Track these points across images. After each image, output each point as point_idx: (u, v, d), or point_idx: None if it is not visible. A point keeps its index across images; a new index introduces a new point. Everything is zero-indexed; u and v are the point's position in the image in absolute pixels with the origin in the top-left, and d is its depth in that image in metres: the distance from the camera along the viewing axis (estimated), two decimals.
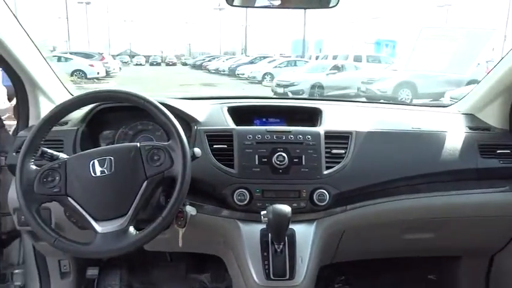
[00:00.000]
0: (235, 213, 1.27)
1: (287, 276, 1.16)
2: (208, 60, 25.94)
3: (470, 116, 1.57)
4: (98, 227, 1.02)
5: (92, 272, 1.77)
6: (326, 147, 1.31)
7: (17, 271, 1.67)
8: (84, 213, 1.03)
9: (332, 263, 1.53)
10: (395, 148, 1.37)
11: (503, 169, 1.38)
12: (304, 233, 1.24)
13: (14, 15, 1.31)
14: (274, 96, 2.18)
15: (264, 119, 1.56)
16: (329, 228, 1.29)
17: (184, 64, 31.93)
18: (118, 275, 1.92)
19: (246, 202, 1.23)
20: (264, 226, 1.22)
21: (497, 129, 1.49)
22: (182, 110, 1.36)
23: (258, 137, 1.30)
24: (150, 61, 32.84)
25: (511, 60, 1.39)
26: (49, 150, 1.15)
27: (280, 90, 11.87)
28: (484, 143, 1.40)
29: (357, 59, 17.17)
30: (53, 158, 1.15)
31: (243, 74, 17.64)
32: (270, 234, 1.20)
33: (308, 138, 1.31)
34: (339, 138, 1.34)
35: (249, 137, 1.30)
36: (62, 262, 1.67)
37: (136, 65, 30.87)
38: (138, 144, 1.09)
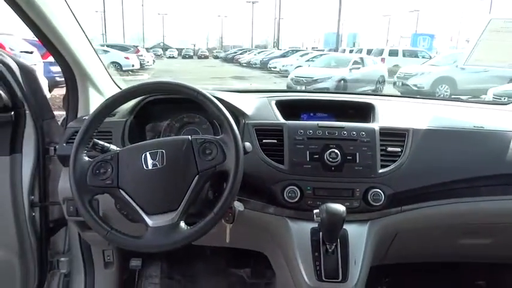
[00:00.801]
0: (284, 211, 1.23)
1: (339, 279, 1.11)
2: (240, 53, 26.00)
3: None
4: (149, 221, 1.00)
5: (135, 263, 1.78)
6: (381, 145, 1.25)
7: (62, 259, 1.70)
8: (135, 206, 1.02)
9: (380, 264, 1.47)
10: (455, 147, 1.29)
11: None
12: (357, 234, 1.18)
13: (69, 7, 1.32)
14: (322, 91, 2.10)
15: (311, 114, 1.51)
16: (383, 229, 1.23)
17: (216, 57, 32.16)
18: (159, 266, 1.93)
19: (296, 200, 1.19)
20: (314, 225, 1.18)
21: None
22: (231, 103, 1.33)
23: (310, 133, 1.25)
24: (182, 54, 33.29)
25: None
26: (100, 142, 1.15)
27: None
28: None
29: (393, 53, 16.70)
30: (103, 150, 1.15)
31: (275, 68, 17.54)
32: (321, 233, 1.16)
33: (362, 134, 1.25)
34: (395, 135, 1.27)
35: (300, 132, 1.26)
36: (105, 252, 1.69)
37: (169, 57, 31.37)
38: (190, 137, 1.06)
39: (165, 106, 1.46)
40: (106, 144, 1.16)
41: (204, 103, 1.07)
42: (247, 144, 1.09)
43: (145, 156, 1.04)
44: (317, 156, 1.22)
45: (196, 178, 1.02)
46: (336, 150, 1.21)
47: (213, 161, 1.04)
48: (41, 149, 1.50)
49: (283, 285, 1.36)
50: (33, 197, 1.51)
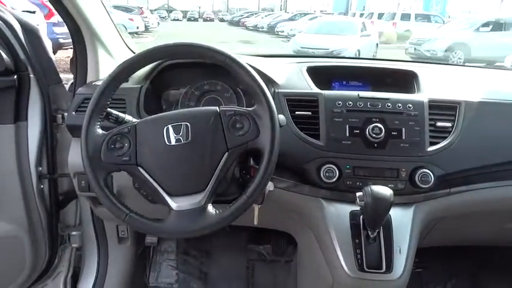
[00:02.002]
0: (319, 191, 1.11)
1: (383, 269, 1.00)
2: (247, 17, 25.27)
3: None
4: (173, 203, 0.89)
5: (151, 239, 1.70)
6: (430, 119, 1.10)
7: (74, 233, 1.62)
8: (157, 186, 0.90)
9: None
10: None
11: None
12: (401, 219, 1.06)
13: None
14: (355, 57, 1.93)
15: (344, 82, 1.36)
16: (429, 214, 1.11)
17: (222, 20, 31.32)
18: (175, 242, 1.86)
19: (334, 180, 1.06)
20: (353, 208, 1.06)
21: None
22: (259, 70, 1.17)
23: (349, 104, 1.11)
24: (187, 16, 32.39)
25: None
26: (114, 111, 1.02)
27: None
28: None
29: (405, 17, 16.11)
30: (118, 120, 1.02)
31: (283, 32, 17.02)
32: (361, 218, 1.04)
33: (409, 107, 1.10)
34: (445, 108, 1.13)
35: (339, 104, 1.11)
36: (119, 227, 1.60)
37: (174, 20, 30.53)
38: (218, 108, 0.93)
39: (184, 71, 1.32)
40: (121, 114, 1.03)
41: (233, 69, 0.92)
42: (281, 117, 0.95)
43: (168, 129, 0.91)
44: (358, 131, 1.09)
45: (225, 156, 0.90)
46: (380, 125, 1.07)
47: (245, 136, 0.90)
48: (48, 117, 1.38)
49: (314, 270, 1.26)
50: (41, 168, 1.41)
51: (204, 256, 1.88)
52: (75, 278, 1.66)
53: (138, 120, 0.96)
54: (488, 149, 1.11)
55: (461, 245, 1.55)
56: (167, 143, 0.90)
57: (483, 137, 1.11)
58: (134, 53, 1.39)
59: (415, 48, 10.81)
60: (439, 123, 1.11)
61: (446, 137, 1.09)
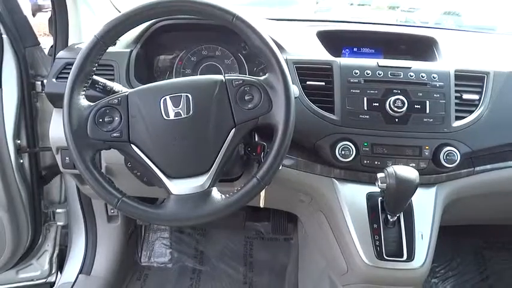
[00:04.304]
0: (332, 170, 1.00)
1: (404, 257, 0.91)
2: None
3: None
4: (172, 187, 0.77)
5: None
6: (456, 91, 0.99)
7: (59, 210, 1.52)
8: (153, 167, 0.78)
9: None
10: None
11: None
12: (423, 201, 0.97)
13: None
14: (366, 22, 1.77)
15: (355, 49, 1.23)
16: (451, 194, 1.01)
17: None
18: None
19: (350, 159, 0.95)
20: (371, 189, 0.97)
21: None
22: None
23: (367, 73, 0.99)
24: None
25: None
26: (101, 79, 0.88)
27: None
28: None
29: None
30: (105, 89, 0.89)
31: None
32: (380, 200, 0.94)
33: (434, 77, 0.99)
34: (472, 79, 1.02)
35: (356, 73, 0.99)
36: (109, 205, 1.49)
37: None
38: (224, 77, 0.80)
39: (179, 34, 1.18)
40: (109, 82, 0.89)
41: (242, 31, 0.79)
42: (295, 87, 0.82)
43: (165, 101, 0.78)
44: (377, 104, 0.97)
45: (232, 132, 0.78)
46: (401, 97, 0.96)
47: (255, 110, 0.79)
48: (25, 83, 1.24)
49: (324, 255, 1.18)
50: (19, 141, 1.28)
51: (199, 234, 1.80)
52: (62, 256, 1.57)
53: (130, 90, 0.83)
54: None
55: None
56: (165, 117, 0.78)
57: None
58: (120, 12, 1.23)
59: (406, 18, 10.58)
60: (465, 96, 1.00)
61: (474, 111, 0.99)
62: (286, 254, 1.70)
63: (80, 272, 1.49)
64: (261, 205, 1.00)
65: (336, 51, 1.16)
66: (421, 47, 1.18)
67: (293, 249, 1.65)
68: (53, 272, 1.57)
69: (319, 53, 1.08)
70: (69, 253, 1.53)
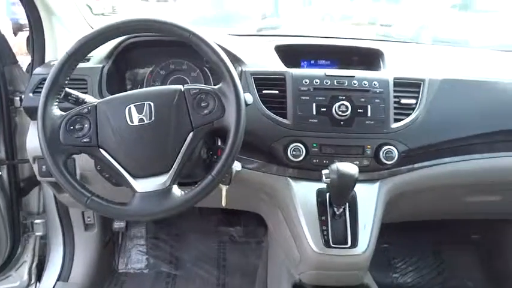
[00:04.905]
0: (286, 170, 1.11)
1: (349, 244, 1.02)
2: None
3: None
4: (137, 185, 0.86)
5: (119, 224, 1.67)
6: (395, 96, 1.12)
7: (37, 221, 1.56)
8: (119, 168, 0.87)
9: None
10: (472, 99, 1.18)
11: None
12: (367, 195, 1.08)
13: None
14: (323, 36, 1.91)
15: (312, 61, 1.35)
16: (393, 189, 1.13)
17: None
18: (144, 227, 1.83)
19: (301, 158, 1.06)
20: (320, 185, 1.07)
21: None
22: (225, 47, 1.15)
23: (316, 82, 1.11)
24: None
25: None
26: (74, 92, 0.97)
27: None
28: None
29: None
30: (78, 101, 0.98)
31: None
32: (328, 195, 1.05)
33: (375, 84, 1.11)
34: (409, 85, 1.14)
35: (306, 82, 1.11)
36: (85, 213, 1.56)
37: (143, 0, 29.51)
38: (182, 87, 0.90)
39: (148, 50, 1.28)
40: (81, 94, 0.98)
41: (198, 46, 0.89)
42: (248, 95, 0.93)
43: (130, 109, 0.88)
44: (324, 109, 1.09)
45: (190, 135, 0.88)
46: (346, 103, 1.08)
47: (210, 115, 0.88)
48: (4, 99, 1.31)
49: (283, 248, 1.27)
50: None
51: (174, 240, 1.87)
52: (41, 267, 1.61)
53: (98, 100, 0.92)
54: (450, 124, 1.14)
55: (424, 220, 1.60)
56: (129, 123, 0.87)
57: (446, 113, 1.13)
58: (92, 28, 1.33)
59: (384, 32, 10.91)
60: (403, 100, 1.12)
61: (410, 114, 1.11)
62: (257, 256, 1.78)
63: (58, 279, 1.53)
64: (223, 204, 1.09)
65: (294, 64, 1.27)
66: (370, 57, 1.30)
67: (263, 252, 1.74)
68: (32, 282, 1.60)
69: (274, 65, 1.19)
70: (48, 262, 1.57)
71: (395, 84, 1.13)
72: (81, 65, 1.04)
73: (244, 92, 0.91)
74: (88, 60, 1.20)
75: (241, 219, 1.86)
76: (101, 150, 0.87)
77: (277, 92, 1.11)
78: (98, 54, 1.21)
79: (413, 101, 1.13)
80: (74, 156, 1.09)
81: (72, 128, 0.87)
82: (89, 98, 1.00)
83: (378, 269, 1.74)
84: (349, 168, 0.95)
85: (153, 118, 0.87)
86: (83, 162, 1.13)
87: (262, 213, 1.40)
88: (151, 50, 1.27)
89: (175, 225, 1.89)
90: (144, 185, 0.86)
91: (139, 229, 1.83)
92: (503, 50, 1.55)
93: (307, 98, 1.09)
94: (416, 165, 1.14)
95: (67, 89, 0.94)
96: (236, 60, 1.16)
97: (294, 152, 1.06)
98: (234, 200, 1.21)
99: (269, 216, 1.35)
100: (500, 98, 1.19)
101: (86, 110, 0.89)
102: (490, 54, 1.53)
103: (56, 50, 1.30)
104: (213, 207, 1.85)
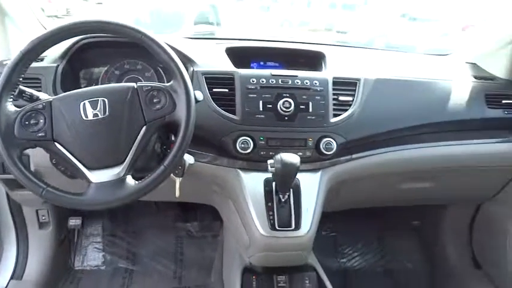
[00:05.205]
0: (236, 162, 1.19)
1: (292, 227, 1.11)
2: None
3: (474, 65, 1.53)
4: (92, 176, 0.91)
5: (74, 222, 1.68)
6: (333, 94, 1.23)
7: None
8: (74, 161, 0.91)
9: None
10: (402, 96, 1.31)
11: (507, 119, 1.36)
12: (309, 183, 1.18)
13: None
14: (272, 39, 2.02)
15: (261, 63, 1.45)
16: (333, 177, 1.24)
17: None
18: (100, 224, 1.85)
19: (249, 151, 1.15)
20: (267, 175, 1.16)
21: (501, 80, 1.45)
22: (177, 49, 1.22)
23: (262, 81, 1.20)
24: None
25: None
26: (28, 89, 1.01)
27: None
28: (491, 92, 1.37)
29: (332, 6, 16.69)
30: (32, 98, 1.01)
31: None
32: (274, 183, 1.14)
33: (315, 83, 1.22)
34: (347, 84, 1.26)
35: (253, 81, 1.20)
36: (40, 212, 1.56)
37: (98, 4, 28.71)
38: (135, 84, 0.96)
39: (103, 51, 1.31)
40: (35, 92, 1.02)
41: (150, 46, 0.95)
42: (198, 93, 1.00)
43: (84, 105, 0.92)
44: (270, 105, 1.18)
45: (143, 129, 0.94)
46: (289, 99, 1.18)
47: (162, 110, 0.95)
48: None
49: (235, 236, 1.35)
50: None
51: (131, 237, 1.90)
52: None
53: (54, 97, 0.96)
54: (382, 119, 1.26)
55: (369, 209, 1.74)
56: (84, 118, 0.91)
57: (379, 109, 1.26)
58: (45, 29, 1.35)
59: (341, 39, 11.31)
60: (341, 98, 1.24)
61: (347, 110, 1.23)
62: (213, 249, 1.84)
63: (12, 277, 1.53)
64: (177, 195, 1.15)
65: (245, 65, 1.36)
66: (313, 59, 1.42)
67: (219, 245, 1.81)
68: None
69: (224, 66, 1.27)
70: (1, 260, 1.56)
71: (334, 83, 1.24)
72: (35, 64, 1.07)
73: (195, 90, 0.99)
74: (42, 60, 1.23)
75: (198, 214, 1.92)
76: (56, 144, 0.91)
77: (226, 90, 1.19)
78: (52, 54, 1.24)
79: (350, 98, 1.25)
80: (29, 152, 1.12)
81: (27, 123, 0.91)
82: (43, 96, 1.03)
83: (327, 256, 1.87)
84: (292, 158, 1.04)
85: (107, 113, 0.92)
86: (37, 158, 1.16)
87: (215, 205, 1.47)
88: (106, 50, 1.31)
89: (132, 222, 1.91)
90: (99, 176, 0.91)
91: (95, 227, 1.85)
92: (437, 54, 1.73)
93: (255, 95, 1.18)
94: (353, 156, 1.26)
95: (21, 87, 0.97)
96: (188, 60, 1.23)
97: (243, 145, 1.15)
98: (188, 192, 1.28)
99: (222, 207, 1.42)
100: (426, 95, 1.34)
101: (41, 105, 0.92)
102: (425, 57, 1.69)
103: (9, 51, 1.31)
104: (170, 204, 1.91)
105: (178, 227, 1.92)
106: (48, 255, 1.62)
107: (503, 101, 1.36)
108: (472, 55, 1.56)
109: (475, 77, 1.43)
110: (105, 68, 1.32)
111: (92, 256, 1.81)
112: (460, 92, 1.35)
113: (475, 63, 1.54)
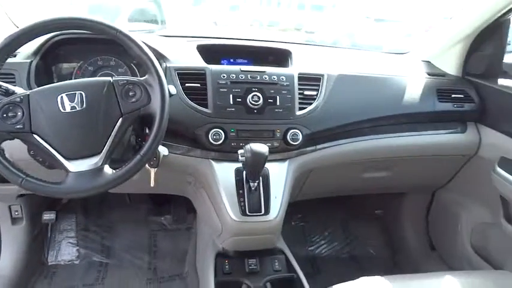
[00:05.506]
0: (209, 153, 1.26)
1: (262, 212, 1.19)
2: None
3: (428, 63, 1.66)
4: (71, 166, 0.95)
5: (48, 216, 1.69)
6: (299, 89, 1.31)
7: None
8: (53, 151, 0.96)
9: (293, 201, 1.61)
10: (362, 91, 1.42)
11: (456, 112, 1.49)
12: (278, 172, 1.27)
13: None
14: (242, 38, 2.09)
15: (231, 60, 1.52)
16: (300, 167, 1.33)
17: None
18: (74, 219, 1.86)
19: (220, 142, 1.22)
20: (238, 165, 1.23)
21: (451, 76, 1.59)
22: (150, 46, 1.27)
23: (233, 77, 1.27)
24: None
25: (469, 12, 1.47)
26: (4, 84, 1.03)
27: None
28: (441, 88, 1.50)
29: (301, 7, 16.92)
30: (8, 92, 1.03)
31: None
32: (245, 172, 1.22)
33: (282, 79, 1.30)
34: (311, 80, 1.35)
35: (223, 76, 1.27)
36: (12, 207, 1.57)
37: None
38: (111, 79, 1.01)
39: (76, 47, 1.34)
40: (11, 86, 1.05)
41: (124, 43, 1.00)
42: (172, 87, 1.07)
43: (62, 98, 0.96)
44: (240, 99, 1.25)
45: (120, 120, 0.99)
46: (258, 94, 1.25)
47: (138, 103, 1.00)
48: None
49: (208, 223, 1.42)
50: None
51: (105, 231, 1.92)
52: None
53: (31, 90, 0.99)
54: (344, 112, 1.36)
55: (335, 199, 1.85)
56: (62, 110, 0.96)
57: (340, 102, 1.36)
58: (17, 27, 1.37)
59: (309, 38, 11.52)
60: (306, 92, 1.32)
61: (312, 103, 1.32)
62: (187, 241, 1.90)
63: None
64: (152, 185, 1.21)
65: (215, 62, 1.43)
66: (281, 57, 1.50)
67: (193, 236, 1.87)
68: None
69: (196, 62, 1.33)
70: None
71: (300, 78, 1.33)
72: (8, 60, 1.10)
73: (168, 85, 1.05)
74: (15, 56, 1.25)
75: (171, 208, 1.96)
76: (35, 135, 0.95)
77: (198, 85, 1.26)
78: (26, 50, 1.26)
79: (314, 93, 1.34)
80: (4, 147, 1.15)
81: (5, 115, 0.94)
82: (19, 90, 1.05)
83: (296, 244, 1.96)
84: (260, 147, 1.12)
85: (84, 106, 0.97)
86: (13, 152, 1.18)
87: (188, 196, 1.53)
88: (80, 46, 1.34)
89: (105, 216, 1.94)
90: (77, 166, 0.95)
91: (69, 222, 1.86)
92: (397, 52, 1.86)
93: (225, 90, 1.25)
94: (318, 147, 1.35)
95: None
96: (161, 57, 1.29)
97: (215, 137, 1.21)
98: (163, 184, 1.34)
99: (195, 197, 1.48)
100: (384, 90, 1.45)
101: (18, 99, 0.96)
102: (385, 56, 1.82)
103: None
104: (143, 198, 1.95)
105: (152, 220, 1.96)
106: (21, 250, 1.62)
107: (453, 95, 1.50)
108: (427, 54, 1.69)
109: (428, 74, 1.56)
110: (79, 64, 1.35)
111: (66, 251, 1.82)
112: (414, 87, 1.47)
113: (429, 61, 1.67)
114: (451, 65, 1.61)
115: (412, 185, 1.79)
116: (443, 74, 1.59)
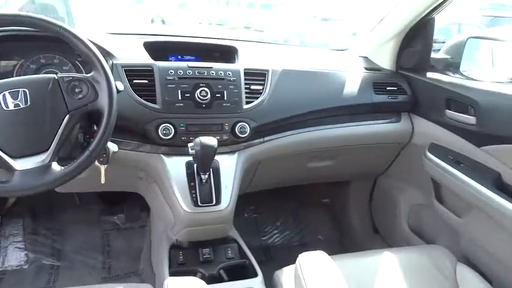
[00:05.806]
0: (159, 148, 1.28)
1: (214, 202, 1.24)
2: None
3: (366, 58, 1.78)
4: (16, 164, 0.95)
5: None
6: (245, 83, 1.37)
7: None
8: None
9: (245, 193, 1.66)
10: (305, 85, 1.50)
11: (391, 103, 1.62)
12: (227, 164, 1.32)
13: None
14: (190, 35, 2.11)
15: (179, 56, 1.54)
16: (249, 158, 1.39)
17: None
18: (21, 223, 1.80)
19: (170, 136, 1.25)
20: (188, 159, 1.27)
21: (386, 70, 1.72)
22: (96, 43, 1.27)
23: (180, 73, 1.30)
24: None
25: (400, 11, 1.60)
26: None
27: None
28: (377, 81, 1.62)
29: (250, 5, 17.02)
30: None
31: None
32: (196, 165, 1.26)
33: (229, 74, 1.35)
34: (257, 75, 1.41)
35: (171, 72, 1.30)
36: None
37: None
38: (56, 75, 1.01)
39: (17, 44, 1.31)
40: None
41: (69, 40, 1.01)
42: (119, 83, 1.08)
43: (4, 96, 0.96)
44: (188, 94, 1.29)
45: (67, 117, 0.99)
46: (206, 89, 1.30)
47: (84, 99, 1.01)
48: None
49: (161, 217, 1.44)
50: None
51: (55, 234, 1.87)
52: None
53: None
54: (289, 105, 1.44)
55: (285, 190, 1.93)
56: (4, 108, 0.95)
57: (285, 96, 1.44)
58: None
59: (259, 37, 11.67)
60: (252, 87, 1.39)
61: (258, 97, 1.38)
62: (141, 239, 1.90)
63: None
64: (102, 181, 1.21)
65: (163, 59, 1.45)
66: (228, 53, 1.55)
67: (147, 234, 1.87)
68: None
69: (142, 58, 1.35)
70: None
71: (246, 73, 1.38)
72: None
73: (115, 81, 1.06)
74: None
75: (124, 207, 1.95)
76: None
77: (146, 81, 1.28)
78: None
79: (260, 87, 1.40)
80: None
81: None
82: None
83: (250, 235, 2.02)
84: (210, 140, 1.17)
85: (28, 103, 0.96)
86: None
87: (140, 192, 1.54)
88: (21, 44, 1.31)
89: (55, 219, 1.89)
90: (23, 164, 0.95)
91: (15, 226, 1.79)
92: (338, 49, 1.97)
93: (173, 85, 1.28)
94: (265, 139, 1.42)
95: None
96: (107, 54, 1.29)
97: (164, 132, 1.24)
98: (114, 180, 1.34)
99: (147, 193, 1.50)
100: (325, 84, 1.54)
101: None
102: (327, 52, 1.92)
103: None
104: (94, 198, 1.92)
105: (104, 220, 1.94)
106: None
107: (388, 88, 1.62)
108: (364, 50, 1.81)
109: (366, 68, 1.68)
110: (20, 62, 1.32)
111: (13, 256, 1.76)
112: (353, 81, 1.58)
113: (366, 57, 1.80)
114: (385, 60, 1.74)
115: (355, 172, 1.91)
116: (379, 69, 1.71)
